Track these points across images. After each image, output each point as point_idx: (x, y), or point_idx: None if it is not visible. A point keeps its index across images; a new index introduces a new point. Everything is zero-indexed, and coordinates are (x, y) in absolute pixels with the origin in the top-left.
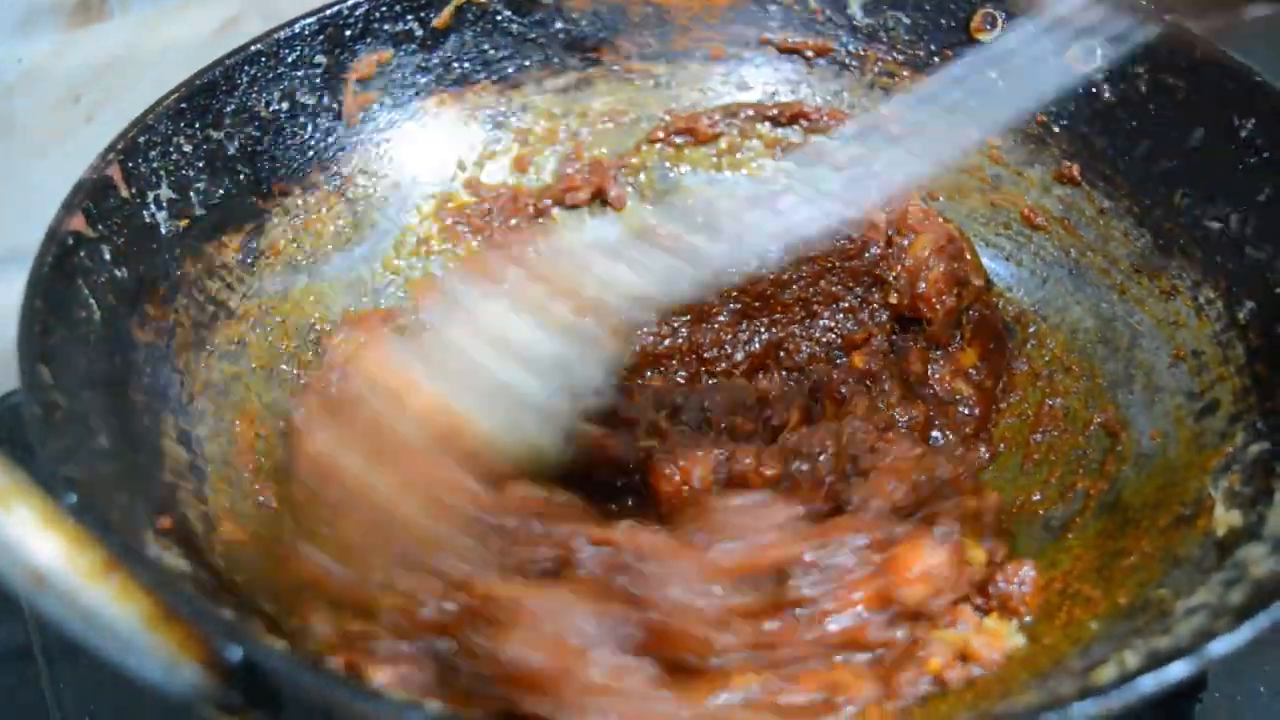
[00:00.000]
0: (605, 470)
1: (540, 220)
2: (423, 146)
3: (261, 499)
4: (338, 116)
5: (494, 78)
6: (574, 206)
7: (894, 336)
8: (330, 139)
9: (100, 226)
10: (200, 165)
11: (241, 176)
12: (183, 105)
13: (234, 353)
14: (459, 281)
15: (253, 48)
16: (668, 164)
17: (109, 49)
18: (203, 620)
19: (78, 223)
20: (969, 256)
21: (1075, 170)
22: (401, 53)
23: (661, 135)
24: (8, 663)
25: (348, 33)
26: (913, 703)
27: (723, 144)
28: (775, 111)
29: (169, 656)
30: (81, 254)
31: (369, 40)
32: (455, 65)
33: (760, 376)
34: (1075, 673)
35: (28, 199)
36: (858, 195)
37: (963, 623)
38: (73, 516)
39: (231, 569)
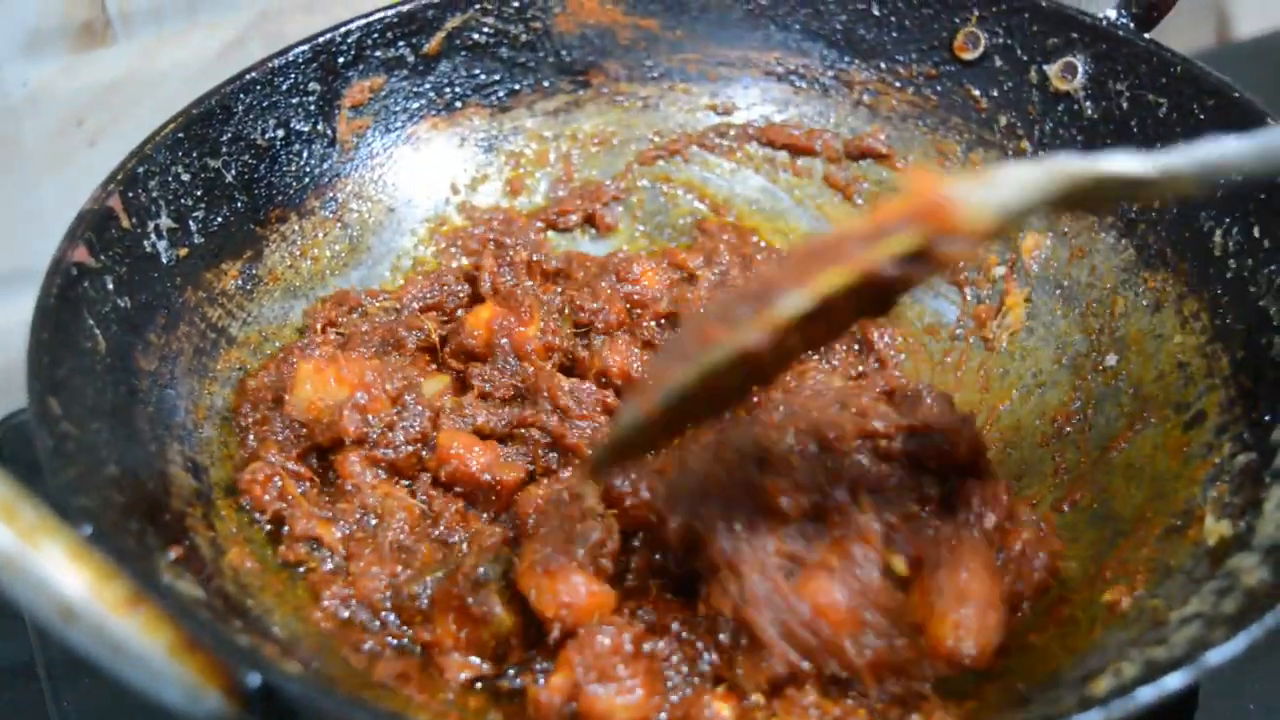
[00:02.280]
0: None
1: (535, 239)
2: (416, 170)
3: (269, 526)
4: (332, 143)
5: (485, 101)
6: (566, 230)
7: None
8: (325, 165)
9: (103, 257)
10: (199, 194)
11: (239, 204)
12: (180, 135)
13: (236, 379)
14: None
15: (248, 76)
16: (659, 184)
17: (113, 73)
18: (223, 648)
19: (81, 254)
20: None
21: None
22: (394, 79)
23: (650, 157)
24: (11, 679)
25: (340, 60)
26: None
27: (711, 164)
28: (762, 133)
29: (193, 685)
30: (85, 284)
31: (361, 67)
32: (447, 90)
33: None
34: (1072, 683)
35: (32, 220)
36: None
37: None
38: (93, 547)
39: (241, 594)
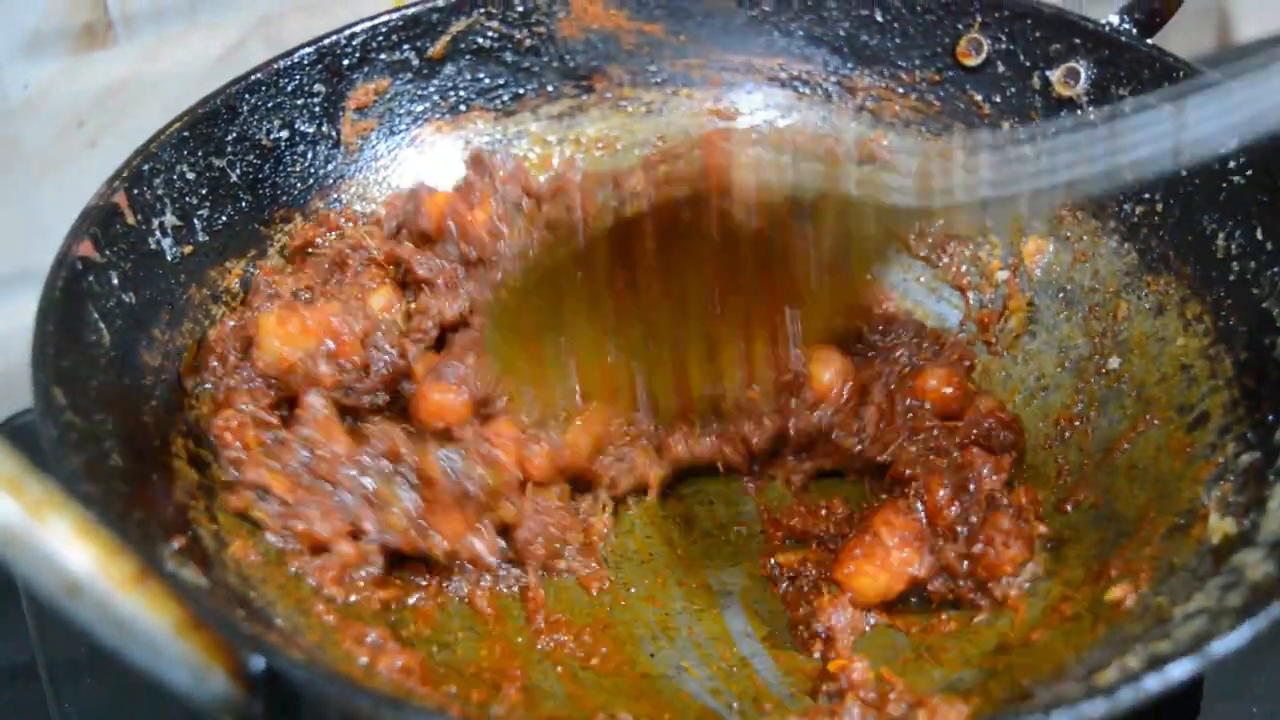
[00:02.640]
0: None
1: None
2: (420, 173)
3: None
4: (336, 144)
5: (489, 105)
6: None
7: None
8: (330, 166)
9: (108, 252)
10: (204, 192)
11: (244, 203)
12: (186, 134)
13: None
14: None
15: (253, 77)
16: None
17: (113, 74)
18: (228, 630)
19: (86, 248)
20: None
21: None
22: (398, 81)
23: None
24: (12, 680)
25: (345, 62)
26: None
27: None
28: (765, 139)
29: (198, 664)
30: (90, 279)
31: (366, 69)
32: (451, 93)
33: None
34: (1077, 679)
35: (34, 222)
36: None
37: None
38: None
39: (244, 586)
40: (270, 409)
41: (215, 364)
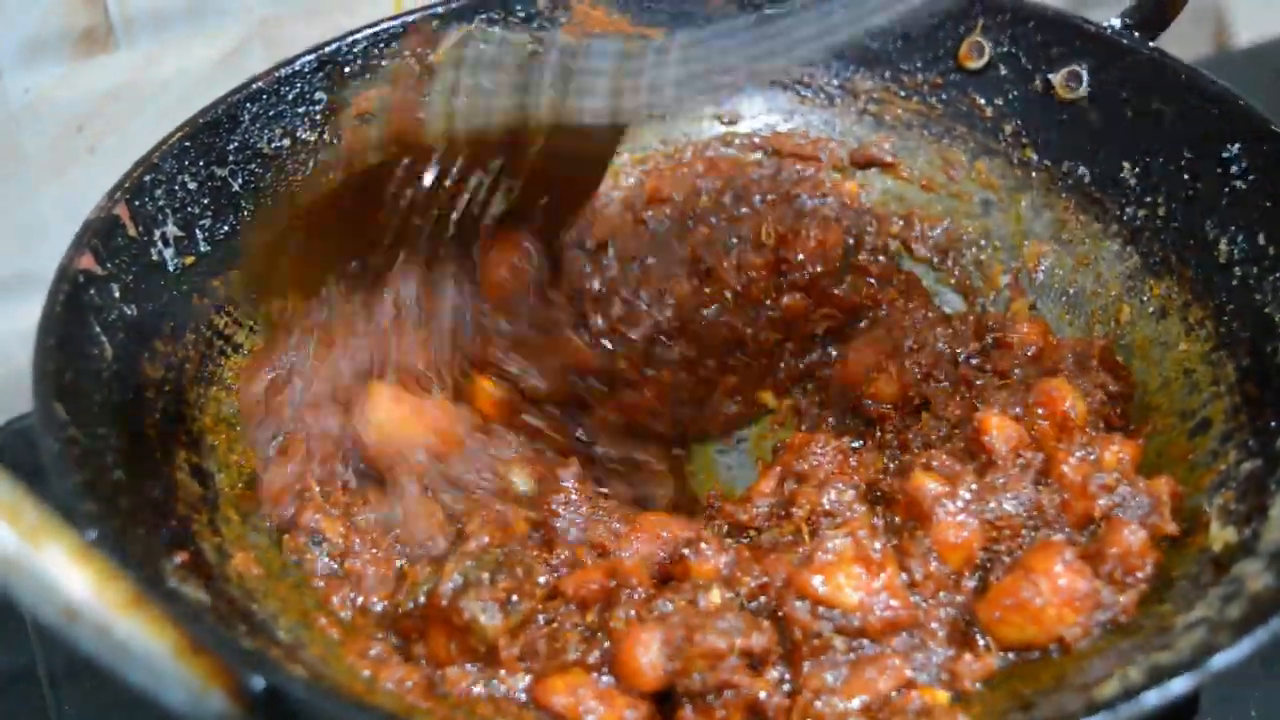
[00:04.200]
0: None
1: None
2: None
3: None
4: None
5: None
6: None
7: None
8: (331, 174)
9: (109, 265)
10: (205, 202)
11: (246, 213)
12: (187, 143)
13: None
14: None
15: (254, 85)
16: None
17: (113, 80)
18: (228, 651)
19: (87, 261)
20: None
21: (1063, 193)
22: (399, 89)
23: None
24: (12, 685)
25: (347, 69)
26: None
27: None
28: (768, 142)
29: (197, 686)
30: (91, 292)
31: (368, 76)
32: None
33: None
34: (1078, 688)
35: (34, 226)
36: None
37: None
38: (96, 548)
39: (246, 599)
40: (323, 461)
41: (262, 414)
